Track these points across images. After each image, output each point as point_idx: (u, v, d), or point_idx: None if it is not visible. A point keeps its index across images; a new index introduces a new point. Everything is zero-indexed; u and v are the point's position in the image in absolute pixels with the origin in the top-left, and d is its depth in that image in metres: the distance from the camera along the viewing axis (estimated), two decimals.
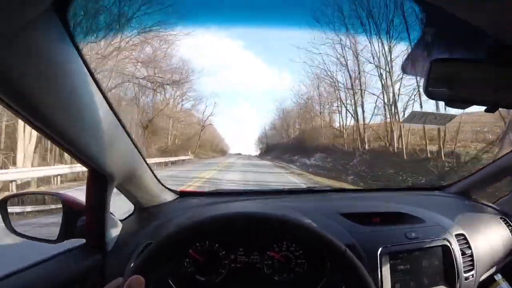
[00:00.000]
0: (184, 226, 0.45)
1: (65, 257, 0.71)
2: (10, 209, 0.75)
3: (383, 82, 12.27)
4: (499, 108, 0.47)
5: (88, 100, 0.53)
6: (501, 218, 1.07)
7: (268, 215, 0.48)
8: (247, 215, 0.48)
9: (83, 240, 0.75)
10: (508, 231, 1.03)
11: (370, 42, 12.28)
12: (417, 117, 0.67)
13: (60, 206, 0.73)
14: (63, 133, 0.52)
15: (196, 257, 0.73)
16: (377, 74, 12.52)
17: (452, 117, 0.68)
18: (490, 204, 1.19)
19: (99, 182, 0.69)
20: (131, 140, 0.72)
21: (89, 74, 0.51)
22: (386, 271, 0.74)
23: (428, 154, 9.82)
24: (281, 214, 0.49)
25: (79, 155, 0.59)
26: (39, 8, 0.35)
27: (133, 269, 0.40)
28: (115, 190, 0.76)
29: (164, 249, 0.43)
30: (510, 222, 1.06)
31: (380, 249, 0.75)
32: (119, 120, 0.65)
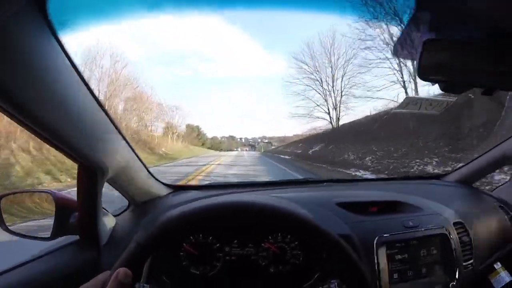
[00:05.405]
0: (169, 218, 0.44)
1: (59, 253, 0.70)
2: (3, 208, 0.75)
3: None
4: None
5: (73, 94, 0.52)
6: (500, 206, 1.06)
7: (258, 203, 0.47)
8: (233, 203, 0.47)
9: (77, 237, 0.74)
10: (507, 219, 1.02)
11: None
12: (411, 103, 0.66)
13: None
14: (50, 128, 0.51)
15: (190, 251, 0.72)
16: None
17: (448, 102, 0.67)
18: (489, 192, 1.18)
19: (90, 177, 0.68)
20: (121, 133, 0.71)
21: (73, 69, 0.50)
22: (383, 260, 0.73)
23: None
24: (271, 203, 0.48)
25: (68, 150, 0.58)
26: (18, 2, 0.34)
27: (121, 261, 0.40)
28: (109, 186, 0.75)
29: (151, 241, 0.42)
30: (509, 211, 1.05)
31: (376, 239, 0.74)
32: (107, 113, 0.64)
